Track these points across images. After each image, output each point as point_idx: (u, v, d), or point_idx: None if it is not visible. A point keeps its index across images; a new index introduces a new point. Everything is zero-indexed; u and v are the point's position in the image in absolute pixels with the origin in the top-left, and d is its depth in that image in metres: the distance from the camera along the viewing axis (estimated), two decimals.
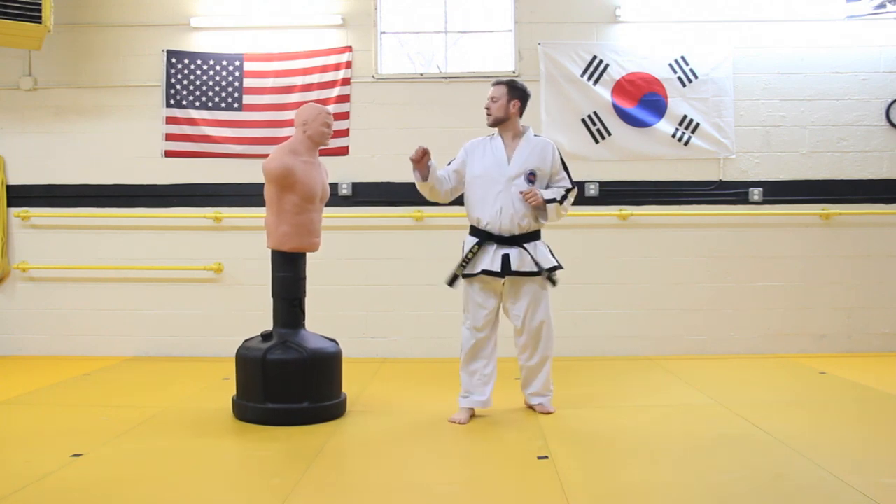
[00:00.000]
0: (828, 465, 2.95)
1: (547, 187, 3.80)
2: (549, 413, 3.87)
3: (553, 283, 3.79)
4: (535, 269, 3.72)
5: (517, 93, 3.79)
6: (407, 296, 5.72)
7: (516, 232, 3.73)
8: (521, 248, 3.73)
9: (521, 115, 3.83)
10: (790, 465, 2.99)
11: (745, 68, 5.73)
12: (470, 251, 3.74)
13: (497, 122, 3.79)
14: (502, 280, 3.76)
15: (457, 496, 2.74)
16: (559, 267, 3.82)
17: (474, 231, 3.81)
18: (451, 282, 3.79)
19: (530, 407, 3.97)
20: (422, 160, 3.68)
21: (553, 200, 3.73)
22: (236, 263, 5.77)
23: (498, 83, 3.81)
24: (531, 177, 3.73)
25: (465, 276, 3.77)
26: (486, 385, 3.83)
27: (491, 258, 3.71)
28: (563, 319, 5.58)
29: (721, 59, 5.72)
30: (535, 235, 3.80)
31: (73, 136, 5.83)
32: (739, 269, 5.73)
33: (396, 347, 5.73)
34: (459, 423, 3.73)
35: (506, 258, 3.70)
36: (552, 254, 3.84)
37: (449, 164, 3.91)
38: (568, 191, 3.81)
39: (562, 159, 3.85)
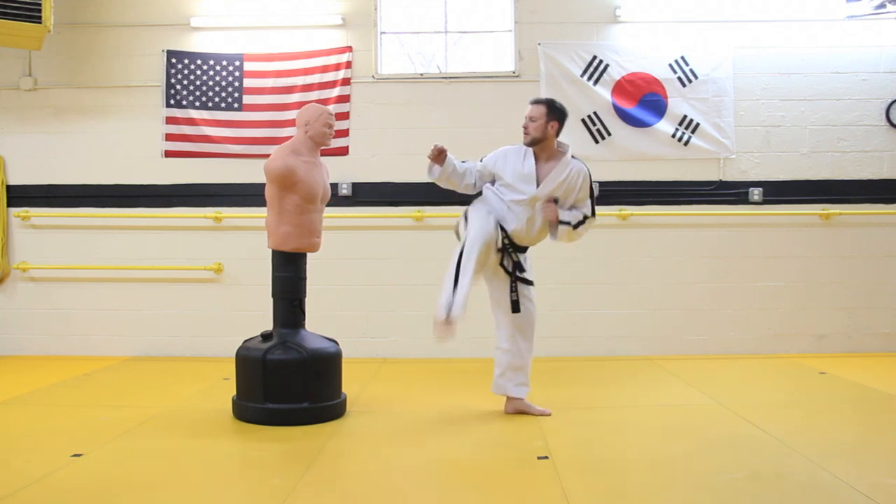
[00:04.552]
0: (828, 465, 2.95)
1: (571, 208, 3.79)
2: (536, 413, 3.81)
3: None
4: (525, 277, 3.82)
5: (556, 114, 3.74)
6: (407, 296, 5.71)
7: (518, 244, 3.81)
8: (517, 254, 3.81)
9: (558, 135, 3.79)
10: (790, 465, 2.99)
11: (745, 68, 5.73)
12: (503, 239, 3.73)
13: (534, 143, 3.76)
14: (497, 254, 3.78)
15: (457, 496, 2.74)
16: (530, 282, 3.86)
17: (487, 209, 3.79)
18: (515, 272, 3.78)
19: (515, 407, 3.85)
20: (438, 157, 3.73)
21: (567, 223, 3.73)
22: (236, 263, 5.77)
23: (537, 102, 3.77)
24: (554, 202, 3.75)
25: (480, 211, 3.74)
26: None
27: (499, 235, 3.73)
28: (563, 319, 5.60)
29: (721, 59, 5.72)
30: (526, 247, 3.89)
31: (73, 136, 5.83)
32: (739, 269, 5.73)
33: (396, 347, 5.73)
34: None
35: (504, 247, 3.76)
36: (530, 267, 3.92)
37: (481, 160, 3.89)
38: (586, 217, 3.79)
39: (591, 187, 3.81)
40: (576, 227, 3.76)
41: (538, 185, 3.72)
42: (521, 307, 3.79)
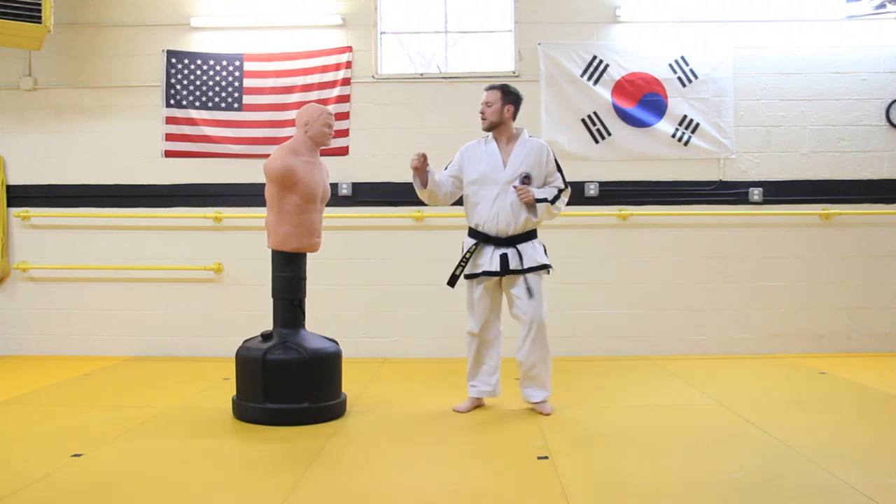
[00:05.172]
0: (828, 465, 2.95)
1: (542, 187, 3.88)
2: (547, 414, 3.86)
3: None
4: (530, 265, 3.81)
5: (511, 97, 3.89)
6: (407, 296, 5.72)
7: (511, 233, 3.83)
8: (516, 248, 3.82)
9: (514, 118, 3.92)
10: (790, 465, 2.99)
11: (745, 68, 5.73)
12: (468, 251, 3.85)
13: (492, 127, 3.89)
14: (499, 279, 3.87)
15: (457, 496, 2.74)
16: (548, 266, 3.89)
17: (473, 233, 3.92)
18: (452, 282, 3.88)
19: (531, 406, 3.96)
20: (422, 166, 3.80)
21: (544, 200, 3.82)
22: (236, 263, 5.77)
23: (491, 88, 3.91)
24: (525, 179, 3.83)
25: (467, 276, 3.87)
26: (491, 375, 3.96)
27: (489, 259, 3.82)
28: (563, 319, 5.59)
29: (721, 59, 5.72)
30: (530, 235, 3.89)
31: (73, 136, 5.84)
32: (739, 269, 5.73)
33: (396, 347, 5.73)
34: (459, 412, 3.90)
35: (503, 257, 3.80)
36: (545, 252, 3.93)
37: (446, 168, 4.01)
38: (560, 191, 3.89)
39: (556, 160, 3.94)
40: (553, 202, 3.83)
41: (505, 168, 3.82)
42: (528, 308, 3.80)
